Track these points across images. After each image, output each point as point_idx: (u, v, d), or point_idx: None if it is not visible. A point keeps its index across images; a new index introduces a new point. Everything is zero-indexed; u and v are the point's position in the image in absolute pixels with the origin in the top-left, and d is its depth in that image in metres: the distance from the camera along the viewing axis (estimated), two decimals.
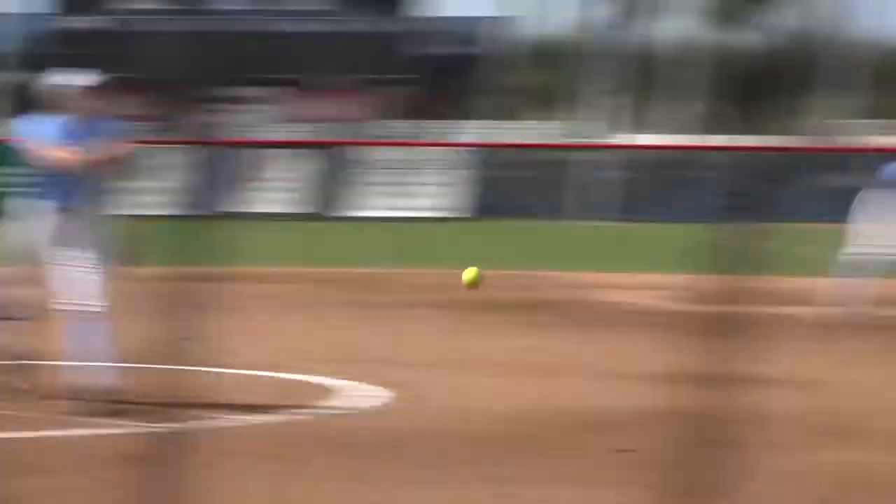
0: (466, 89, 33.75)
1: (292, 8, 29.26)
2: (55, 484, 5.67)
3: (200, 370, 7.27)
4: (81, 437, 6.90)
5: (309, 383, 8.53)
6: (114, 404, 7.30)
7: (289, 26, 28.44)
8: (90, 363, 7.34)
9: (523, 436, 6.96)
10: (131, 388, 7.38)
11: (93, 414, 7.16)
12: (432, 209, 29.61)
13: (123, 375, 7.41)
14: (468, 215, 30.02)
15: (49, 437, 6.87)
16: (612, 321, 13.07)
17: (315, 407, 7.74)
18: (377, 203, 28.70)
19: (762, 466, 5.89)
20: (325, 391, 8.21)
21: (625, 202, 28.67)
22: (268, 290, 14.58)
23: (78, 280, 7.30)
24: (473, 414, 7.59)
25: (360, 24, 29.78)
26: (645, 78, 32.14)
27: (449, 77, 33.37)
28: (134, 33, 27.60)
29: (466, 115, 32.01)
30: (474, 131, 30.56)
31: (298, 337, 10.83)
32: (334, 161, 29.53)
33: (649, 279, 16.69)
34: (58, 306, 7.41)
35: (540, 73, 36.09)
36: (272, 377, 8.74)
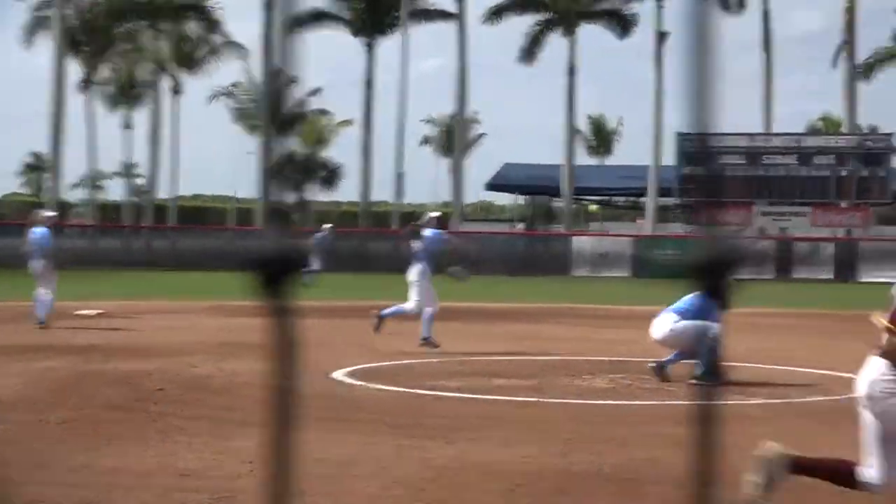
0: None
1: (818, 163, 57.13)
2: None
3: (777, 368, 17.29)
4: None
5: (840, 377, 15.13)
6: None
7: (817, 172, 56.73)
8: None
9: None
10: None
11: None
12: None
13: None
14: None
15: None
16: None
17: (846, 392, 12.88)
18: (875, 273, 49.07)
19: None
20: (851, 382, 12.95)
21: None
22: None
23: None
24: None
25: (859, 171, 56.76)
26: None
27: None
28: (724, 176, 54.73)
29: None
30: None
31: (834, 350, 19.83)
32: (848, 249, 54.62)
33: None
34: None
35: None
36: (819, 373, 16.86)
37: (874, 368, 7.66)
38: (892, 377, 7.55)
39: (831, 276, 51.66)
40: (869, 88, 65.11)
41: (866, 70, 66.62)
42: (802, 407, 13.73)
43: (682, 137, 57.24)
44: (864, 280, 50.06)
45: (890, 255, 52.64)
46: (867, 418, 7.70)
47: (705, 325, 15.31)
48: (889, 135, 59.71)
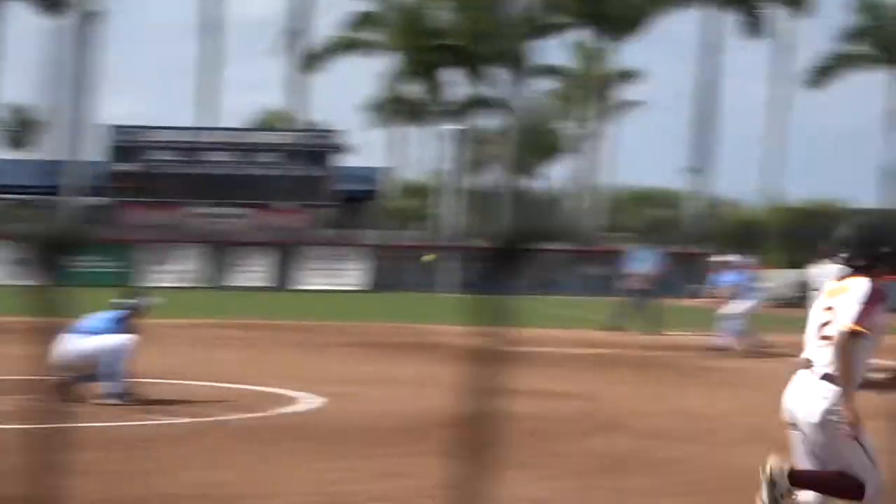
0: (367, 211, 64.82)
1: (260, 161, 57.72)
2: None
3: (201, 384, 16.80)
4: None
5: (271, 393, 16.25)
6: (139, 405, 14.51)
7: (258, 170, 57.30)
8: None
9: (412, 426, 13.53)
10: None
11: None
12: (348, 284, 55.05)
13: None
14: (369, 289, 54.88)
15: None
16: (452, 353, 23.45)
17: (276, 408, 14.86)
18: (314, 280, 54.87)
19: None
20: (282, 398, 15.71)
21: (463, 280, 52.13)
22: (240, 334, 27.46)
23: None
24: (374, 415, 14.67)
25: (302, 170, 57.25)
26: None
27: (357, 203, 63.34)
28: (158, 174, 55.97)
29: (367, 226, 61.71)
30: (373, 235, 59.70)
31: (264, 363, 20.78)
32: (287, 253, 56.30)
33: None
34: None
35: (409, 200, 71.27)
36: (246, 388, 16.74)
37: (821, 393, 7.23)
38: (839, 404, 7.17)
39: (269, 283, 52.24)
40: (320, 81, 65.33)
41: (314, 60, 65.88)
42: (228, 425, 13.71)
43: (114, 130, 56.03)
44: (299, 287, 51.01)
45: (329, 260, 53.94)
46: (820, 440, 7.32)
47: (115, 343, 15.08)
48: (334, 131, 60.74)
